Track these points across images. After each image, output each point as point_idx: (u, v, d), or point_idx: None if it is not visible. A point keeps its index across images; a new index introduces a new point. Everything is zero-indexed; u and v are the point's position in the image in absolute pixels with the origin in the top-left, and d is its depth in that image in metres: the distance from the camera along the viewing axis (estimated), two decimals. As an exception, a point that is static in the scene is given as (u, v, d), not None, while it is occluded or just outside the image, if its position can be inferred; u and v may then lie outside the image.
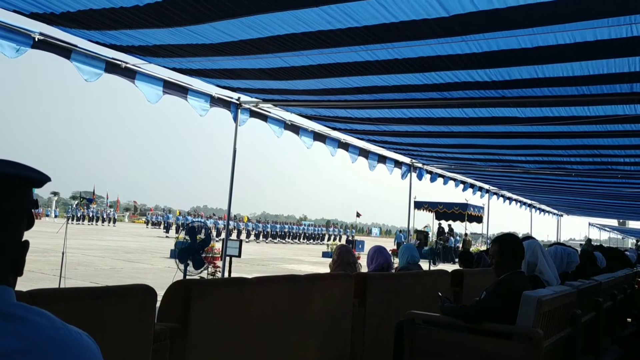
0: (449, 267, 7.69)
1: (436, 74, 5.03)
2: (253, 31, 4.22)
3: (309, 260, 22.91)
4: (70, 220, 14.55)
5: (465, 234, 32.02)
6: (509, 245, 3.90)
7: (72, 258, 12.96)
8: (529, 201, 20.52)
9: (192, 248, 7.47)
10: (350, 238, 43.18)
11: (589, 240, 21.88)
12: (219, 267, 10.71)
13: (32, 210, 0.95)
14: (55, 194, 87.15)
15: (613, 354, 6.21)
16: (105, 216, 55.35)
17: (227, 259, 8.56)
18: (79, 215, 51.78)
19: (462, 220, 29.68)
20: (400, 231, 40.22)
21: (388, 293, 4.87)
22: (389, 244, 23.11)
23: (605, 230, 40.11)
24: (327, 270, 5.78)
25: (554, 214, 24.83)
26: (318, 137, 8.72)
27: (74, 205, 51.64)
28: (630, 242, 45.14)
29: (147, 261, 17.09)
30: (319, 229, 51.84)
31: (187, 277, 7.24)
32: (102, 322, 2.36)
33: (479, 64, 4.61)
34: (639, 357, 6.18)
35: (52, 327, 0.86)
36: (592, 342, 5.64)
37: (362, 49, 4.44)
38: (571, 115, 6.17)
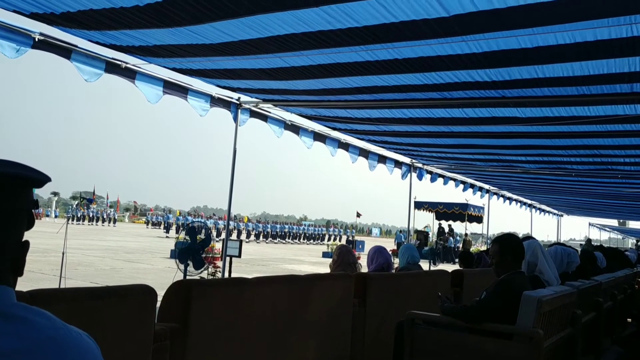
0: (449, 267, 7.69)
1: (436, 74, 5.03)
2: (253, 31, 4.22)
3: (309, 260, 22.91)
4: (70, 221, 14.55)
5: (466, 234, 32.03)
6: (509, 245, 3.90)
7: (72, 258, 12.97)
8: (529, 201, 20.52)
9: (192, 248, 7.48)
10: (350, 238, 43.18)
11: (588, 241, 21.87)
12: (219, 267, 10.71)
13: (33, 210, 0.95)
14: (55, 194, 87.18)
15: (613, 354, 6.21)
16: (105, 216, 55.35)
17: (227, 259, 8.56)
18: (79, 216, 51.79)
19: (462, 221, 29.68)
20: (401, 231, 40.23)
21: (388, 293, 4.87)
22: (389, 244, 23.12)
23: (605, 230, 40.11)
24: (327, 270, 5.78)
25: (554, 214, 24.83)
26: (318, 137, 8.73)
27: (74, 206, 51.67)
28: (631, 242, 45.14)
29: (147, 261, 17.09)
30: (319, 229, 51.83)
31: (187, 277, 7.24)
32: (102, 322, 2.36)
33: (479, 64, 4.62)
34: (639, 357, 6.18)
35: (53, 327, 0.86)
36: (592, 342, 5.64)
37: (362, 49, 4.45)
38: (571, 115, 6.17)
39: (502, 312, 3.63)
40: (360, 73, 5.21)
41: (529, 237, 4.89)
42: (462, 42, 4.10)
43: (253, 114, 7.56)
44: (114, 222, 55.76)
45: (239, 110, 7.37)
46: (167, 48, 4.97)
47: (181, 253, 7.53)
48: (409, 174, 11.95)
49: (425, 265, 9.76)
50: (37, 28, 4.76)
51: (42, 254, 15.70)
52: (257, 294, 3.40)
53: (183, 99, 6.46)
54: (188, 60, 5.37)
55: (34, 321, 0.85)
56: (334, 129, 8.77)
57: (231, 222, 36.55)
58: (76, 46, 5.13)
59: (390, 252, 6.14)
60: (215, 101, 6.93)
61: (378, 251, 5.64)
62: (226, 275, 8.34)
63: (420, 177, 12.37)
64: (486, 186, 16.43)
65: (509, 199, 18.66)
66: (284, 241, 43.83)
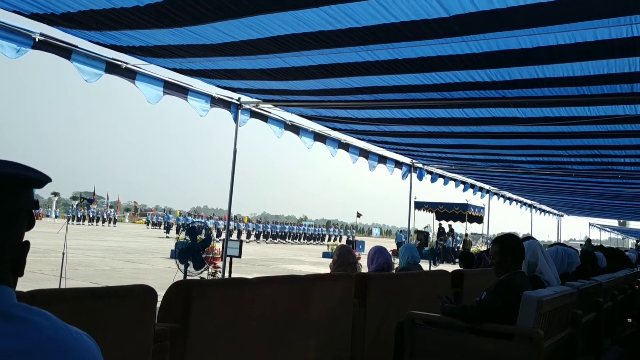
0: (449, 268, 7.69)
1: (436, 74, 5.03)
2: (253, 31, 4.22)
3: (309, 260, 22.91)
4: (70, 221, 14.56)
5: (466, 234, 32.02)
6: (510, 245, 3.90)
7: (73, 258, 12.97)
8: (529, 201, 20.52)
9: (192, 248, 7.48)
10: (350, 238, 43.17)
11: (588, 241, 21.87)
12: (219, 267, 10.71)
13: (33, 210, 0.95)
14: (55, 194, 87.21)
15: (613, 354, 6.21)
16: (105, 216, 55.34)
17: (228, 259, 8.56)
18: (79, 216, 51.80)
19: (463, 221, 29.68)
20: (401, 231, 40.22)
21: (388, 293, 4.87)
22: (390, 244, 23.12)
23: (605, 230, 40.09)
24: (327, 270, 5.79)
25: (554, 214, 24.83)
26: (318, 137, 8.73)
27: (75, 206, 51.72)
28: (631, 242, 45.13)
29: (147, 261, 17.10)
30: (319, 229, 51.82)
31: (188, 277, 7.24)
32: (102, 323, 2.36)
33: (479, 64, 4.62)
34: (639, 357, 6.18)
35: (53, 328, 0.86)
36: (592, 342, 5.64)
37: (362, 49, 4.45)
38: (571, 116, 6.17)
39: (503, 312, 3.63)
40: (361, 73, 5.21)
41: (529, 237, 4.89)
42: (462, 43, 4.10)
43: (253, 114, 7.56)
44: (114, 223, 55.76)
45: (239, 111, 7.38)
46: (167, 48, 4.97)
47: (181, 253, 7.53)
48: (409, 174, 11.96)
49: (425, 265, 9.76)
50: (38, 28, 4.76)
51: (42, 254, 15.70)
52: (257, 294, 3.41)
53: (183, 100, 6.46)
54: (188, 61, 5.38)
55: (34, 321, 0.85)
56: (334, 129, 8.77)
57: (231, 223, 36.50)
58: (76, 46, 5.14)
59: (390, 252, 6.14)
60: (216, 101, 6.93)
61: (378, 251, 5.64)
62: (226, 275, 8.34)
63: (420, 178, 12.37)
64: (486, 186, 16.43)
65: (509, 199, 18.67)
66: (284, 241, 43.83)
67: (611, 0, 3.28)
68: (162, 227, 48.16)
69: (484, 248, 20.96)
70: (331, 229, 53.58)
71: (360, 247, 30.34)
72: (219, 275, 9.79)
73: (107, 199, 66.02)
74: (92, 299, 2.38)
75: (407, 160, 11.75)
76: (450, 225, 31.65)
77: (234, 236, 35.92)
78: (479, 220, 29.10)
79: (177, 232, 35.41)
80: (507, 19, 3.58)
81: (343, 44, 4.32)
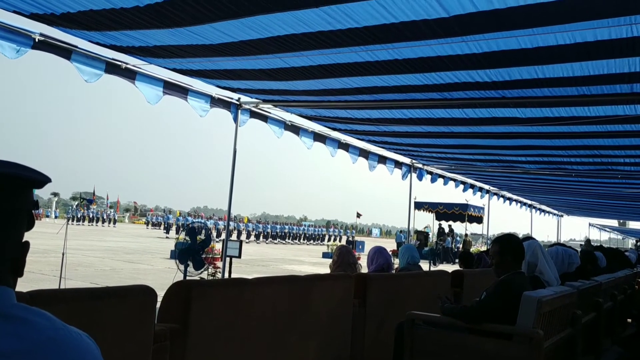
0: (448, 268, 7.68)
1: (436, 74, 5.03)
2: (253, 32, 4.22)
3: (309, 260, 22.91)
4: (70, 221, 14.56)
5: (466, 235, 32.03)
6: (509, 245, 3.90)
7: (72, 259, 12.96)
8: (529, 201, 20.52)
9: (192, 249, 7.47)
10: (350, 239, 43.17)
11: (588, 241, 21.86)
12: (219, 267, 10.71)
13: (33, 211, 0.95)
14: (55, 194, 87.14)
15: (613, 355, 6.21)
16: (105, 217, 55.34)
17: (227, 259, 8.56)
18: (79, 216, 51.78)
19: (463, 221, 29.69)
20: (401, 232, 40.22)
21: (388, 294, 4.87)
22: (390, 245, 23.12)
23: (605, 230, 40.09)
24: (327, 270, 5.78)
25: (554, 214, 24.83)
26: (318, 137, 8.73)
27: (74, 206, 51.69)
28: (631, 242, 45.11)
29: (147, 262, 17.09)
30: (319, 229, 51.81)
31: (187, 277, 7.24)
32: (102, 323, 2.36)
33: (479, 64, 4.62)
34: (639, 357, 6.18)
35: (52, 328, 0.86)
36: (592, 342, 5.64)
37: (362, 49, 4.45)
38: (571, 116, 6.17)
39: (502, 312, 3.63)
40: (360, 73, 5.21)
41: (529, 238, 4.89)
42: (462, 43, 4.10)
43: (253, 115, 7.56)
44: (114, 223, 55.74)
45: (239, 111, 7.38)
46: (167, 49, 4.97)
47: (181, 254, 7.52)
48: (409, 175, 11.96)
49: (425, 265, 9.75)
50: (37, 28, 4.76)
51: (42, 255, 15.70)
52: (257, 295, 3.40)
53: (183, 100, 6.46)
54: (188, 61, 5.38)
55: (34, 322, 0.85)
56: (334, 129, 8.77)
57: (231, 223, 36.51)
58: (76, 47, 5.13)
59: (390, 253, 6.14)
60: (215, 102, 6.93)
61: (378, 252, 5.64)
62: (226, 275, 8.34)
63: (420, 178, 12.37)
64: (486, 186, 16.43)
65: (509, 199, 18.67)
66: (284, 242, 43.83)
67: (611, 0, 3.28)
68: (162, 227, 48.15)
69: (483, 248, 20.97)
70: (331, 229, 53.57)
71: (360, 247, 30.34)
72: (219, 275, 9.79)
73: (107, 199, 66.03)
74: (92, 300, 2.38)
75: (407, 160, 11.75)
76: (450, 226, 31.67)
77: (234, 236, 35.91)
78: (479, 220, 29.11)
79: (177, 233, 35.42)
80: (506, 19, 3.58)
81: (343, 44, 4.32)
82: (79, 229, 40.29)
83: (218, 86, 6.60)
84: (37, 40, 4.81)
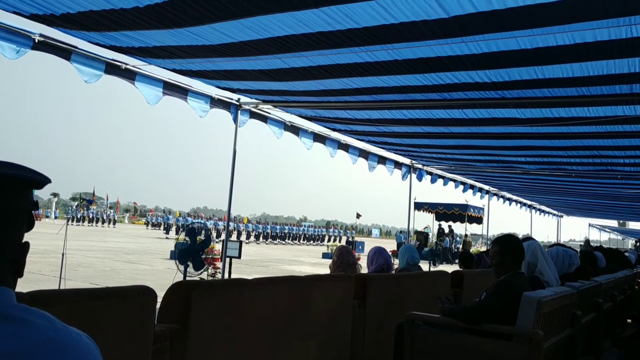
0: (448, 268, 7.68)
1: (436, 75, 5.03)
2: (253, 32, 4.22)
3: (309, 261, 22.90)
4: (70, 222, 14.55)
5: (466, 235, 32.04)
6: (509, 246, 3.90)
7: (72, 259, 12.96)
8: (529, 202, 20.53)
9: (192, 249, 7.47)
10: (350, 239, 43.16)
11: (587, 242, 21.85)
12: (219, 268, 10.70)
13: (33, 211, 0.95)
14: (55, 195, 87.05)
15: (613, 355, 6.21)
16: (105, 217, 55.31)
17: (227, 260, 8.55)
18: (79, 217, 51.74)
19: (462, 221, 29.70)
20: (401, 232, 40.22)
21: (388, 294, 4.87)
22: (389, 245, 23.11)
23: (605, 231, 40.10)
24: (327, 271, 5.78)
25: (554, 214, 24.84)
26: (318, 138, 8.73)
27: (74, 207, 51.63)
28: (630, 242, 45.11)
29: (147, 262, 17.09)
30: (319, 230, 51.79)
31: (187, 278, 7.24)
32: (102, 324, 2.36)
33: (479, 65, 4.62)
34: (639, 358, 6.17)
35: (52, 329, 0.86)
36: (592, 343, 5.64)
37: (361, 50, 4.45)
38: (571, 116, 6.18)
39: (502, 313, 3.63)
40: (360, 74, 5.21)
41: (528, 238, 4.89)
42: (461, 43, 4.10)
43: (253, 115, 7.56)
44: (114, 223, 55.71)
45: (239, 111, 7.38)
46: (166, 49, 4.98)
47: (181, 254, 7.52)
48: (409, 175, 11.96)
49: (425, 266, 9.75)
50: (37, 29, 4.76)
51: (42, 255, 15.69)
52: (257, 295, 3.40)
53: (183, 100, 6.46)
54: (188, 62, 5.38)
55: (34, 322, 0.85)
56: (334, 129, 8.77)
57: (231, 223, 36.53)
58: (76, 47, 5.14)
59: (390, 253, 6.14)
60: (215, 102, 6.93)
61: (378, 252, 5.64)
62: (226, 276, 8.34)
63: (420, 178, 12.37)
64: (486, 187, 16.44)
65: (509, 199, 18.67)
66: (283, 242, 43.81)
67: (610, 1, 3.28)
68: (162, 227, 48.11)
69: (483, 249, 20.97)
70: (331, 230, 53.57)
71: (360, 247, 30.34)
72: (219, 276, 9.78)
73: (107, 199, 65.97)
74: (92, 300, 2.38)
75: (406, 161, 11.76)
76: (450, 226, 31.67)
77: (234, 237, 35.90)
78: (479, 220, 29.12)
79: (177, 233, 35.42)
80: (506, 20, 3.59)
81: (342, 44, 4.32)
82: (78, 229, 40.28)
83: (218, 87, 6.60)
84: (36, 40, 4.81)
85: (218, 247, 13.50)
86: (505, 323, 3.58)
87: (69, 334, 0.87)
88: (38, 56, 5.05)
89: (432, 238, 31.50)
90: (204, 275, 9.41)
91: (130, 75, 5.73)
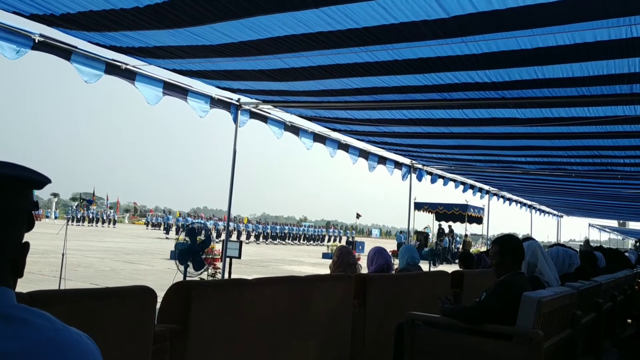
0: (447, 268, 7.68)
1: (436, 75, 5.03)
2: (253, 32, 4.22)
3: (309, 261, 22.90)
4: (70, 222, 14.55)
5: (466, 235, 32.04)
6: (509, 246, 3.90)
7: (72, 259, 12.96)
8: (529, 202, 20.53)
9: (192, 249, 7.47)
10: (350, 239, 43.16)
11: (587, 242, 21.86)
12: (219, 268, 10.70)
13: (32, 211, 0.95)
14: (55, 195, 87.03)
15: (613, 355, 6.21)
16: (105, 217, 55.31)
17: (227, 260, 8.55)
18: (79, 217, 51.74)
19: (462, 221, 29.71)
20: (401, 232, 40.22)
21: (388, 294, 4.87)
22: (389, 245, 23.11)
23: (605, 231, 40.09)
24: (327, 271, 5.78)
25: (554, 214, 24.84)
26: (318, 138, 8.73)
27: (74, 207, 51.65)
28: (630, 243, 45.11)
29: (147, 262, 17.09)
30: (319, 230, 51.79)
31: (187, 278, 7.24)
32: (102, 324, 2.36)
33: (479, 65, 4.62)
34: (638, 358, 6.17)
35: (52, 329, 0.86)
36: (592, 343, 5.64)
37: (361, 50, 4.45)
38: (571, 116, 6.18)
39: (502, 313, 3.63)
40: (360, 74, 5.21)
41: (529, 238, 4.89)
42: (461, 43, 4.10)
43: (253, 115, 7.56)
44: (114, 224, 55.71)
45: (239, 112, 7.38)
46: (167, 49, 4.98)
47: (181, 254, 7.52)
48: (409, 175, 11.96)
49: (425, 266, 9.75)
50: (37, 29, 4.76)
51: (42, 255, 15.69)
52: (257, 295, 3.40)
53: (183, 100, 6.46)
54: (188, 62, 5.38)
55: (34, 323, 0.85)
56: (334, 130, 8.77)
57: (231, 223, 36.53)
58: (76, 47, 5.14)
59: (390, 253, 6.14)
60: (215, 102, 6.93)
61: (378, 252, 5.64)
62: (226, 276, 8.34)
63: (420, 178, 12.37)
64: (486, 187, 16.44)
65: (509, 199, 18.67)
66: (283, 242, 43.81)
67: (610, 1, 3.28)
68: (162, 228, 48.11)
69: (483, 249, 20.97)
70: (331, 230, 53.57)
71: (360, 247, 30.34)
72: (219, 276, 9.78)
73: (107, 199, 65.97)
74: (92, 300, 2.38)
75: (406, 161, 11.76)
76: (450, 226, 31.67)
77: (234, 237, 35.90)
78: (479, 221, 29.13)
79: (177, 233, 35.43)
80: (506, 20, 3.59)
81: (342, 44, 4.32)
82: (78, 229, 40.28)
83: (218, 87, 6.60)
84: (37, 41, 4.81)
85: (218, 247, 13.49)
86: (505, 323, 3.58)
87: (69, 334, 0.87)
88: (38, 56, 5.06)
89: (432, 238, 31.50)
90: (204, 276, 9.41)
91: (130, 75, 5.73)
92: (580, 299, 4.82)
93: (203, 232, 8.00)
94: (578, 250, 7.74)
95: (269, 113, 7.73)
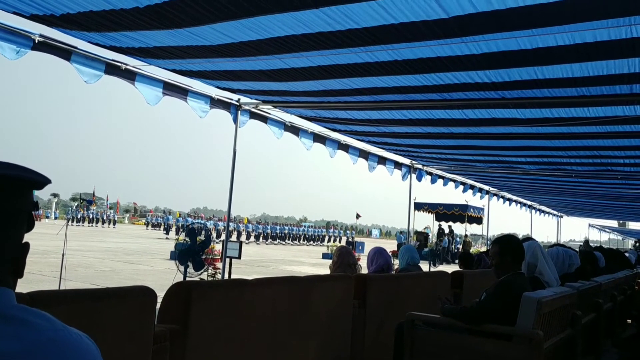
0: (447, 268, 7.68)
1: (436, 75, 5.03)
2: (253, 32, 4.22)
3: (309, 261, 22.90)
4: (70, 222, 14.55)
5: (466, 235, 32.04)
6: (509, 246, 3.90)
7: (72, 260, 12.96)
8: (529, 202, 20.53)
9: (192, 250, 7.47)
10: (350, 239, 43.16)
11: (586, 242, 21.85)
12: (219, 268, 10.70)
13: (32, 212, 0.95)
14: (55, 195, 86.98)
15: (613, 355, 6.21)
16: (105, 218, 55.30)
17: (227, 260, 8.55)
18: (79, 217, 51.73)
19: (462, 222, 29.71)
20: (401, 232, 40.23)
21: (388, 294, 4.87)
22: (389, 245, 23.11)
23: (605, 231, 40.10)
24: (327, 271, 5.78)
25: (554, 215, 24.85)
26: (318, 138, 8.73)
27: (74, 207, 51.68)
28: (630, 243, 45.11)
29: (147, 263, 17.09)
30: (319, 230, 51.78)
31: (187, 278, 7.24)
32: (102, 324, 2.35)
33: (479, 65, 4.62)
34: (638, 358, 6.17)
35: (52, 329, 0.86)
36: (592, 343, 5.64)
37: (361, 50, 4.45)
38: (571, 117, 6.18)
39: (502, 313, 3.63)
40: (360, 74, 5.21)
41: (528, 238, 4.89)
42: (461, 44, 4.10)
43: (253, 115, 7.56)
44: (114, 224, 55.71)
45: (239, 112, 7.38)
46: (166, 49, 4.98)
47: (181, 254, 7.52)
48: (408, 175, 11.96)
49: (425, 266, 9.75)
50: (37, 29, 4.76)
51: (42, 256, 15.69)
52: (257, 296, 3.40)
53: (183, 101, 6.46)
54: (188, 62, 5.38)
55: (34, 323, 0.85)
56: (334, 130, 8.77)
57: (231, 224, 36.52)
58: (76, 48, 5.14)
59: (390, 254, 6.13)
60: (215, 102, 6.93)
61: (378, 252, 5.64)
62: (226, 276, 8.33)
63: (419, 179, 12.37)
64: (486, 187, 16.44)
65: (509, 200, 18.67)
66: (283, 242, 43.80)
67: (610, 1, 3.28)
68: (162, 228, 48.10)
69: (483, 249, 20.97)
70: (331, 230, 53.57)
71: (360, 248, 30.35)
72: (219, 276, 9.78)
73: (107, 200, 65.97)
74: (92, 301, 2.38)
75: (406, 161, 11.76)
76: (450, 226, 31.67)
77: (234, 237, 35.90)
78: (479, 221, 29.14)
79: (177, 234, 35.43)
80: (506, 20, 3.59)
81: (342, 45, 4.32)
82: (78, 229, 40.26)
83: (218, 87, 6.60)
84: (37, 41, 4.81)
85: (218, 247, 13.49)
86: (505, 323, 3.58)
87: (69, 335, 0.87)
88: (38, 56, 5.06)
89: (432, 238, 31.50)
90: (204, 276, 9.40)
91: (130, 75, 5.73)
92: (580, 299, 4.82)
93: (203, 232, 8.00)
94: (578, 250, 7.74)
95: (269, 113, 7.73)
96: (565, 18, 3.51)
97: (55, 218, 62.13)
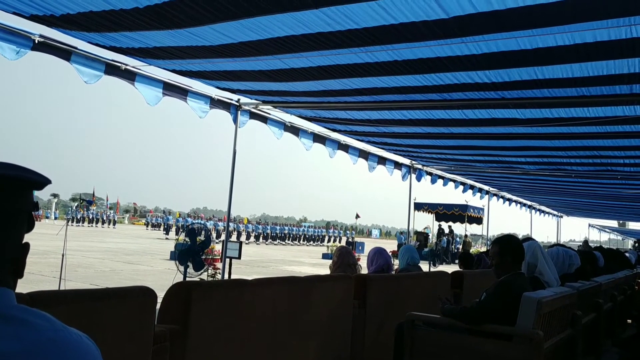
0: (446, 268, 7.68)
1: (436, 75, 5.04)
2: (253, 33, 4.22)
3: (309, 261, 22.90)
4: (70, 222, 14.54)
5: (465, 235, 32.04)
6: (509, 246, 3.90)
7: (72, 260, 12.96)
8: (529, 202, 20.53)
9: (192, 250, 7.47)
10: (350, 239, 43.16)
11: (586, 242, 21.85)
12: (219, 268, 10.69)
13: (32, 212, 0.95)
14: (55, 195, 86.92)
15: (613, 355, 6.20)
16: (105, 218, 55.30)
17: (227, 260, 8.55)
18: (78, 217, 51.72)
19: (462, 222, 29.72)
20: (401, 233, 40.23)
21: (388, 294, 4.87)
22: (389, 246, 23.10)
23: (605, 231, 40.10)
24: (327, 271, 5.78)
25: (554, 215, 24.85)
26: (318, 138, 8.73)
27: (74, 207, 51.69)
28: (630, 243, 45.11)
29: (147, 263, 17.09)
30: (319, 230, 51.78)
31: (187, 278, 7.24)
32: (102, 324, 2.35)
33: (479, 65, 4.62)
34: (639, 358, 6.17)
35: (52, 329, 0.86)
36: (592, 343, 5.64)
37: (361, 50, 4.45)
38: (571, 117, 6.18)
39: (502, 313, 3.63)
40: (360, 74, 5.21)
41: (528, 238, 4.89)
42: (461, 44, 4.10)
43: (253, 116, 7.56)
44: (114, 224, 55.70)
45: (239, 112, 7.38)
46: (166, 50, 4.98)
47: (181, 255, 7.52)
48: (408, 175, 11.96)
49: (425, 266, 9.75)
50: (37, 30, 4.76)
51: (42, 256, 15.69)
52: (257, 296, 3.40)
53: (183, 101, 6.46)
54: (188, 62, 5.38)
55: (34, 323, 0.85)
56: (334, 130, 8.77)
57: (231, 224, 36.53)
58: (76, 48, 5.14)
59: (390, 254, 6.13)
60: (215, 103, 6.93)
61: (378, 252, 5.64)
62: (226, 276, 8.33)
63: (419, 179, 12.37)
64: (486, 187, 16.44)
65: (509, 200, 18.67)
66: (283, 242, 43.80)
67: (610, 1, 3.29)
68: (162, 228, 48.09)
69: (483, 249, 20.97)
70: (331, 230, 53.59)
71: (360, 248, 30.35)
72: (219, 276, 9.78)
73: (107, 200, 65.96)
74: (92, 301, 2.38)
75: (406, 161, 11.76)
76: (450, 226, 31.67)
77: (234, 237, 35.89)
78: (479, 221, 29.15)
79: (177, 234, 35.43)
80: (506, 20, 3.59)
81: (342, 45, 4.32)
82: (78, 230, 40.26)
83: (217, 87, 6.60)
84: (36, 41, 4.81)
85: (218, 247, 13.49)
86: (506, 323, 3.58)
87: (69, 335, 0.87)
88: (38, 57, 5.06)
89: (432, 238, 31.51)
90: (204, 276, 9.40)
91: (130, 75, 5.73)
92: (580, 299, 4.82)
93: (203, 232, 8.00)
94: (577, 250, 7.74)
95: (269, 113, 7.73)
96: (565, 18, 3.51)
97: (55, 218, 62.11)
